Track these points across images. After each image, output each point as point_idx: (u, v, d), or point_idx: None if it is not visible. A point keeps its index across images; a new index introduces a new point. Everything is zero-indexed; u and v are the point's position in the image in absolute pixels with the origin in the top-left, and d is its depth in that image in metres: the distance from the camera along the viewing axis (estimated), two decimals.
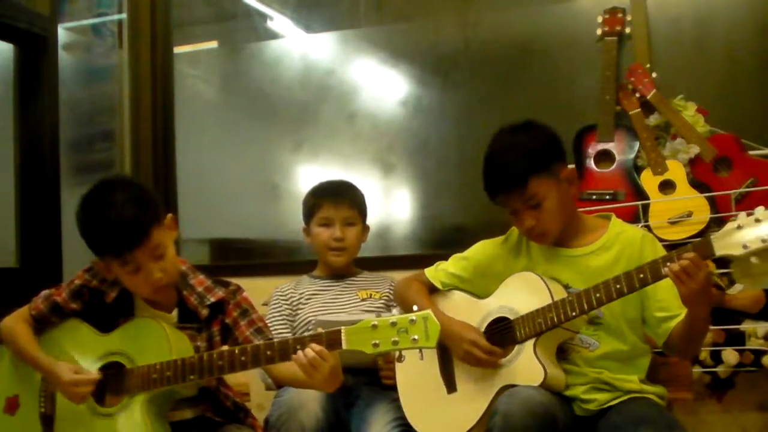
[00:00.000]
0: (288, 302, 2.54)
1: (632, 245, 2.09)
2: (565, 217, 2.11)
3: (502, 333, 2.08)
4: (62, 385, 1.94)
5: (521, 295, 2.08)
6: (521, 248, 2.19)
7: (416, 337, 1.68)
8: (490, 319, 2.12)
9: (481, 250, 2.26)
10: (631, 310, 2.05)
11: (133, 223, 1.88)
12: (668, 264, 1.83)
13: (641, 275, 1.89)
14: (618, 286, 1.92)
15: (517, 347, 2.04)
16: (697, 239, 1.85)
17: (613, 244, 2.10)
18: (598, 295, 1.95)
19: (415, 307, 1.73)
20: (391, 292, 2.59)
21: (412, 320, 1.69)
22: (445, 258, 2.30)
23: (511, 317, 2.08)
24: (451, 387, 2.14)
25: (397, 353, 1.72)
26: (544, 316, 2.00)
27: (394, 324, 1.70)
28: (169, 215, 2.02)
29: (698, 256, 1.80)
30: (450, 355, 2.14)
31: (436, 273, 2.28)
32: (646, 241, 2.10)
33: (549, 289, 2.03)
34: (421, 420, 2.18)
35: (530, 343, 2.02)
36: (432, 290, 2.27)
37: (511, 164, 2.04)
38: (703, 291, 1.83)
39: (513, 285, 2.13)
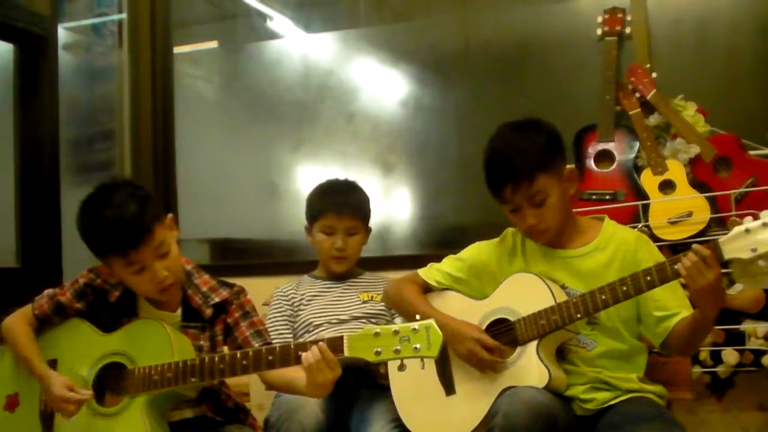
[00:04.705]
0: (289, 303, 2.54)
1: (626, 245, 2.09)
2: (565, 215, 2.11)
3: (503, 334, 2.07)
4: (52, 398, 1.94)
5: (521, 296, 2.07)
6: (516, 250, 2.19)
7: (418, 346, 1.68)
8: (489, 320, 2.11)
9: (476, 251, 2.26)
10: (624, 311, 2.05)
11: (136, 221, 1.90)
12: (680, 262, 1.82)
13: (648, 277, 1.88)
14: (624, 288, 1.91)
15: (518, 349, 2.03)
16: (706, 242, 1.83)
17: (607, 245, 2.10)
18: (603, 297, 1.94)
19: (417, 317, 1.72)
20: None
21: (414, 329, 1.69)
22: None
23: (511, 318, 2.07)
24: (449, 389, 2.11)
25: (398, 362, 1.72)
26: (548, 318, 1.99)
27: (396, 332, 1.70)
28: (169, 215, 2.03)
29: (713, 254, 1.79)
30: (448, 356, 2.11)
31: (431, 272, 2.26)
32: (641, 242, 2.12)
33: (551, 290, 2.02)
34: (418, 424, 2.14)
35: (533, 344, 2.01)
36: (426, 291, 2.25)
37: (521, 159, 2.03)
38: (713, 291, 1.83)
39: (512, 286, 2.12)
